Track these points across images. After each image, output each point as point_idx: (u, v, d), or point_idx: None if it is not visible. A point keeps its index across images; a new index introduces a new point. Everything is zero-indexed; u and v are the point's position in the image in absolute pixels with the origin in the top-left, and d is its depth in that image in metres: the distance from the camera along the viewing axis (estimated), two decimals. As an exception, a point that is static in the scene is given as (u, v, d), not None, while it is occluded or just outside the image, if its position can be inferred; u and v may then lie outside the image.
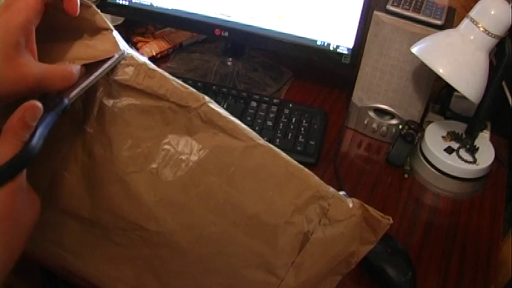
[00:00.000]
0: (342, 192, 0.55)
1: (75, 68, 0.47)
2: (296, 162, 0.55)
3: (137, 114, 0.51)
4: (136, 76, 0.51)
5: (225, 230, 0.51)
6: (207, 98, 0.51)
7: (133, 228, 0.51)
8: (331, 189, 0.53)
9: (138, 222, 0.51)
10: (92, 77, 0.48)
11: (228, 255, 0.51)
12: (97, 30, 0.51)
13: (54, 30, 0.50)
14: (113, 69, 0.50)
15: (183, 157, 0.50)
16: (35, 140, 0.40)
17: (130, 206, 0.50)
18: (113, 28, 0.52)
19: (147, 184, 0.50)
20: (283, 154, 0.54)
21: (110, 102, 0.50)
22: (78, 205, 0.51)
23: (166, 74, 0.52)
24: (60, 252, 0.53)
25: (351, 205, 0.54)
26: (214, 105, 0.51)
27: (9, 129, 0.40)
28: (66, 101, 0.45)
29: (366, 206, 0.54)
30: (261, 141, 0.52)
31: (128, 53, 0.51)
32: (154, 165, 0.50)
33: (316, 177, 0.54)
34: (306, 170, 0.54)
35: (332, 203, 0.53)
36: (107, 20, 0.52)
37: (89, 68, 0.49)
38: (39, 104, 0.41)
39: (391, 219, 0.55)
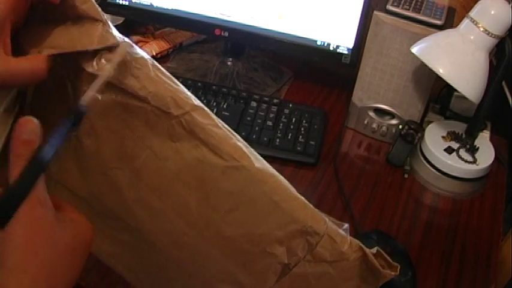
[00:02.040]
0: (345, 226, 0.51)
1: (43, 61, 0.44)
2: (291, 192, 0.49)
3: (122, 112, 0.48)
4: (119, 73, 0.46)
5: (198, 244, 0.49)
6: (193, 106, 0.47)
7: (117, 218, 0.51)
8: (329, 225, 0.49)
9: (120, 215, 0.50)
10: (104, 75, 0.45)
11: (202, 266, 0.50)
12: (86, 20, 0.47)
13: (40, 14, 0.47)
14: (98, 63, 0.47)
15: (164, 163, 0.48)
16: (41, 154, 0.38)
17: (112, 199, 0.50)
18: (104, 19, 0.47)
19: (128, 181, 0.49)
20: (275, 180, 0.49)
21: (97, 96, 0.47)
22: (74, 182, 0.51)
23: (160, 74, 0.48)
24: None
25: (345, 247, 0.49)
26: (199, 115, 0.47)
27: (12, 153, 0.38)
28: (82, 108, 0.43)
29: (366, 250, 0.49)
30: (247, 162, 0.47)
31: (123, 43, 0.47)
32: (135, 165, 0.49)
33: (313, 211, 0.49)
34: (299, 200, 0.49)
35: (322, 242, 0.48)
36: (99, 10, 0.47)
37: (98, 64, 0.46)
38: (32, 118, 0.39)
39: (398, 268, 0.51)
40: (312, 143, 0.89)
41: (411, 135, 0.87)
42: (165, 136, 0.48)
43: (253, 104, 0.94)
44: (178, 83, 0.49)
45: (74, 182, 0.52)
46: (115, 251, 0.53)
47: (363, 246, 0.49)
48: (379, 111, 0.93)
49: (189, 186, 0.49)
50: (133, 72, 0.47)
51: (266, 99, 0.96)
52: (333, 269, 0.49)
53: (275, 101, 0.96)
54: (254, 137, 0.89)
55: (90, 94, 0.43)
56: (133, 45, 0.48)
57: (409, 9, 0.83)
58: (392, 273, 0.50)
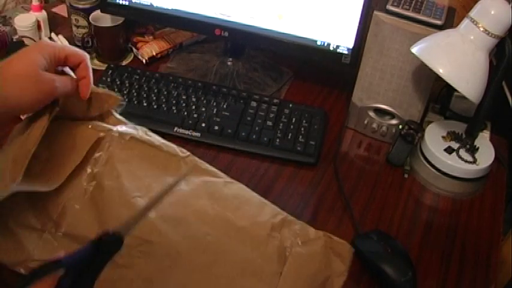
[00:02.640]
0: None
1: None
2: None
3: (140, 159, 0.64)
4: (138, 132, 0.67)
5: (219, 240, 0.60)
6: (190, 153, 0.68)
7: (138, 243, 0.58)
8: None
9: (143, 236, 0.58)
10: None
11: (224, 263, 0.59)
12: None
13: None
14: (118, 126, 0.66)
15: (179, 188, 0.63)
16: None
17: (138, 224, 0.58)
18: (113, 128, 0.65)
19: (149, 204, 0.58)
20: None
21: (117, 150, 0.63)
22: (87, 229, 0.59)
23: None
24: None
25: (314, 230, 0.66)
26: (195, 157, 0.68)
27: None
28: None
29: (328, 233, 0.66)
30: (235, 180, 0.69)
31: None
32: (153, 193, 0.61)
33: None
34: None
35: (300, 227, 0.66)
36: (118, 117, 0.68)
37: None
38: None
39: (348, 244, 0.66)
40: (312, 143, 0.89)
41: (411, 135, 0.87)
42: (177, 172, 0.65)
43: (253, 104, 0.94)
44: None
45: (88, 228, 0.59)
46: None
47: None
48: (379, 111, 0.93)
49: (202, 198, 0.63)
50: (148, 134, 0.67)
51: (266, 99, 0.96)
52: (316, 247, 0.64)
53: (275, 101, 0.96)
54: (254, 137, 0.89)
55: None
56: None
57: (409, 9, 0.83)
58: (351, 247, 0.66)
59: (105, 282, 0.53)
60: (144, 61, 1.07)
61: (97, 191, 0.61)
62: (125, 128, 0.66)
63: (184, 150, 0.68)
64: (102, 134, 0.64)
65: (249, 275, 0.59)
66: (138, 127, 0.68)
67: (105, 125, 0.65)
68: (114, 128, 0.65)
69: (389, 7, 0.84)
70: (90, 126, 0.64)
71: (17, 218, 0.58)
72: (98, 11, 1.03)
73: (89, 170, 0.62)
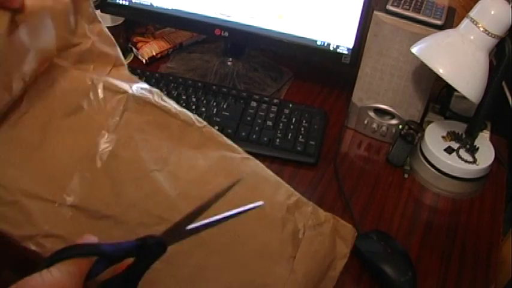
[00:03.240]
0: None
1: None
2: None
3: (156, 128, 0.59)
4: (153, 96, 0.61)
5: (237, 221, 0.54)
6: (207, 123, 0.63)
7: (157, 222, 0.54)
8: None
9: (162, 215, 0.55)
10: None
11: (242, 245, 0.58)
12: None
13: None
14: (133, 88, 0.60)
15: (195, 162, 0.60)
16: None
17: (155, 199, 0.55)
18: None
19: (167, 181, 0.57)
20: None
21: (133, 115, 0.58)
22: (102, 202, 0.54)
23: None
24: None
25: (324, 213, 0.66)
26: (212, 128, 0.63)
27: None
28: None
29: (334, 215, 0.66)
30: (252, 157, 0.64)
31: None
32: (171, 167, 0.58)
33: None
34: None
35: (312, 209, 0.65)
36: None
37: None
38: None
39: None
40: (312, 143, 0.89)
41: (411, 135, 0.87)
42: (193, 144, 0.61)
43: (253, 104, 0.94)
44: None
45: (104, 200, 0.55)
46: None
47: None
48: (379, 111, 0.93)
49: (219, 175, 0.60)
50: (163, 98, 0.62)
51: (266, 99, 0.96)
52: (325, 229, 0.64)
53: (275, 101, 0.96)
54: (254, 137, 0.89)
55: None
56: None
57: (409, 9, 0.83)
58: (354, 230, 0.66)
59: None
60: (144, 61, 1.07)
61: (113, 160, 0.55)
62: (141, 90, 0.61)
63: (201, 120, 0.62)
64: (119, 96, 0.58)
65: (266, 258, 0.59)
66: (154, 90, 0.62)
67: (118, 83, 0.59)
68: (130, 91, 0.59)
69: (389, 7, 0.84)
70: (102, 84, 0.58)
71: (23, 188, 0.52)
72: (98, 11, 1.03)
73: (104, 136, 0.56)
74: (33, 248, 0.51)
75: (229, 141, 0.63)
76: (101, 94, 0.58)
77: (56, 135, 0.54)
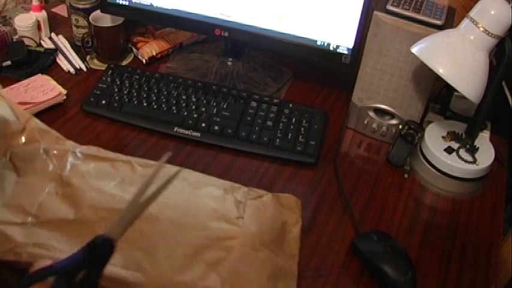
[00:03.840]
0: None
1: None
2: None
3: (98, 167, 0.77)
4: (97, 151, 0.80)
5: (184, 201, 0.73)
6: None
7: (114, 213, 0.62)
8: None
9: (116, 206, 0.69)
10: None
11: (193, 215, 0.71)
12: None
13: None
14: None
15: (136, 180, 0.76)
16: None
17: (108, 200, 0.71)
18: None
19: (115, 189, 0.73)
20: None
21: (77, 164, 0.77)
22: (64, 214, 0.69)
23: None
24: (49, 254, 0.63)
25: (260, 190, 0.77)
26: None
27: None
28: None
29: (275, 193, 0.78)
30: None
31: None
32: (116, 181, 0.75)
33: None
34: None
35: (248, 189, 0.77)
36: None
37: None
38: None
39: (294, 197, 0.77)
40: (312, 143, 0.89)
41: (411, 135, 0.87)
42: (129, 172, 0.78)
43: (253, 104, 0.94)
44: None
45: (66, 212, 0.70)
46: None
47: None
48: (379, 111, 0.93)
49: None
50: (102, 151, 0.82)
51: (266, 99, 0.96)
52: (266, 199, 0.75)
53: (275, 101, 0.96)
54: (254, 137, 0.89)
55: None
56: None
57: (409, 9, 0.83)
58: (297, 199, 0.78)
59: None
60: (144, 61, 1.07)
61: (67, 187, 0.72)
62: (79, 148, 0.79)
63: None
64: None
65: (216, 220, 0.71)
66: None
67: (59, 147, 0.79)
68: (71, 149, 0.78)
69: (389, 7, 0.84)
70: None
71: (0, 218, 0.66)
72: (98, 11, 1.03)
73: (57, 175, 0.74)
74: (12, 258, 0.63)
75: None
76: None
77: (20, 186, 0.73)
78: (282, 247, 0.71)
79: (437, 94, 0.99)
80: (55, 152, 0.78)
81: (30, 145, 0.78)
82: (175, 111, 0.92)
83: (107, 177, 0.75)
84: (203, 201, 0.74)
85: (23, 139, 0.79)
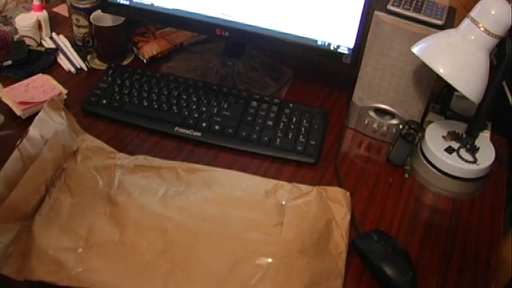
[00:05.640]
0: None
1: None
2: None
3: (144, 178, 0.80)
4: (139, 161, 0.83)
5: (221, 212, 0.74)
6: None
7: (157, 235, 0.71)
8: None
9: (157, 225, 0.72)
10: None
11: (228, 227, 0.72)
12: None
13: None
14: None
15: (180, 189, 0.78)
16: None
17: (150, 218, 0.73)
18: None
19: (158, 204, 0.76)
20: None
21: (123, 180, 0.79)
22: (110, 235, 0.71)
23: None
24: (98, 277, 0.67)
25: (306, 186, 0.79)
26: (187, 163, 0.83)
27: None
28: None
29: (322, 186, 0.79)
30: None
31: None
32: (160, 194, 0.77)
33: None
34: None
35: (292, 186, 0.79)
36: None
37: None
38: None
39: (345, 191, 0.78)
40: (313, 142, 0.89)
41: (411, 135, 0.87)
42: (175, 179, 0.81)
43: (254, 103, 0.94)
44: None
45: (112, 234, 0.71)
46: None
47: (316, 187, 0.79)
48: (380, 111, 0.93)
49: (200, 187, 0.79)
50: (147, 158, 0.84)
51: (267, 99, 0.96)
52: (310, 197, 0.76)
53: (275, 100, 0.96)
54: (255, 136, 0.89)
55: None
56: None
57: (409, 9, 0.83)
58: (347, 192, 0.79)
59: (128, 272, 0.67)
60: (144, 61, 1.07)
61: (114, 206, 0.74)
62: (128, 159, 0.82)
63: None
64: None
65: (253, 230, 0.71)
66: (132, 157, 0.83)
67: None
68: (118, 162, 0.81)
69: (390, 7, 0.84)
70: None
71: (54, 245, 0.68)
72: (99, 11, 1.03)
73: (105, 193, 0.76)
74: (66, 283, 0.65)
75: (200, 165, 0.83)
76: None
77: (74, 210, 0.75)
78: (327, 247, 0.71)
79: (437, 94, 0.99)
80: (104, 168, 0.80)
81: (83, 163, 0.80)
82: (175, 111, 0.92)
83: (150, 191, 0.77)
84: (240, 210, 0.74)
85: (79, 158, 0.81)
